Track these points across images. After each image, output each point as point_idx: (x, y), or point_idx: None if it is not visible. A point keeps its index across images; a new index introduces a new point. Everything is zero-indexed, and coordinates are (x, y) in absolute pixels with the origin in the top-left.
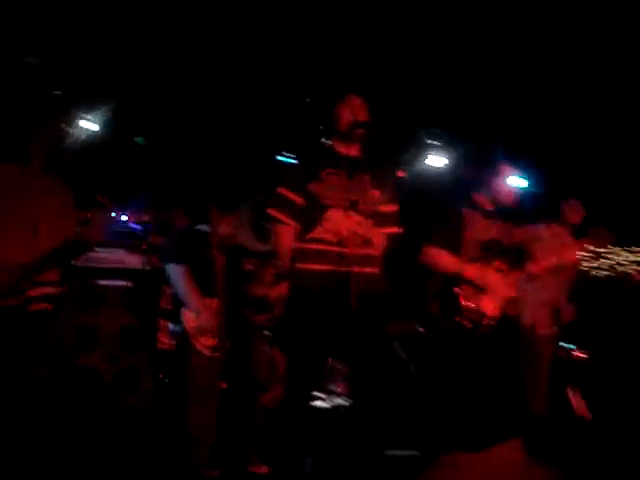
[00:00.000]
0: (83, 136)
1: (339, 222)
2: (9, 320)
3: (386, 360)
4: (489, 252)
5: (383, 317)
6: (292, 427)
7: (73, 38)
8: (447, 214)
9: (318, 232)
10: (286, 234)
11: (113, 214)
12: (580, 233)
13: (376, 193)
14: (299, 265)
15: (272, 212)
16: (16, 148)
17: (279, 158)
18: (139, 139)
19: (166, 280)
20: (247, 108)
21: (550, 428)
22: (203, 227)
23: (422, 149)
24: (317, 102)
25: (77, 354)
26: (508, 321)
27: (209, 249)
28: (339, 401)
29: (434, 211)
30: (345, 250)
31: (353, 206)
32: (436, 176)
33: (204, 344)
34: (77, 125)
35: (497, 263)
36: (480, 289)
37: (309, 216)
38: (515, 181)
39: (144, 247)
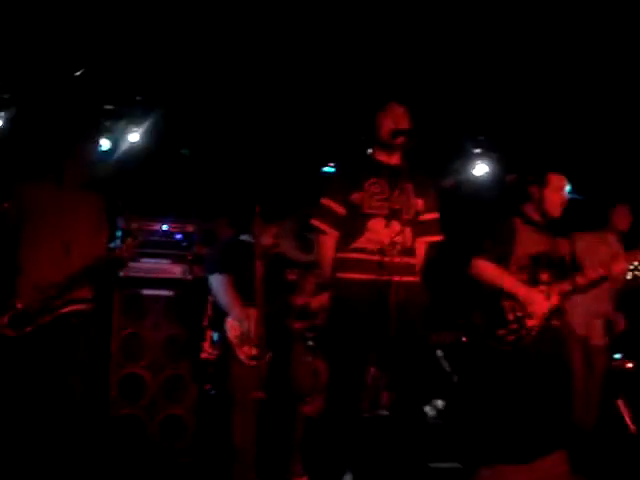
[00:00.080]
0: (129, 148)
1: (381, 231)
2: (42, 337)
3: (428, 370)
4: (538, 264)
5: (424, 326)
6: (332, 438)
7: (119, 52)
8: (497, 225)
9: (360, 242)
10: (328, 244)
11: (153, 227)
12: (629, 242)
13: (419, 202)
14: (340, 275)
15: (314, 222)
16: (50, 166)
17: (324, 170)
18: (185, 150)
19: (209, 290)
20: (293, 119)
21: (596, 441)
22: (246, 237)
23: (469, 158)
24: (360, 112)
25: (122, 364)
26: (552, 331)
27: (251, 259)
28: (382, 412)
29: (483, 222)
30: (386, 259)
31: (395, 215)
32: (483, 185)
33: (246, 354)
34: (123, 138)
35: (544, 275)
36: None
37: (351, 226)
38: (563, 191)
39: (189, 257)
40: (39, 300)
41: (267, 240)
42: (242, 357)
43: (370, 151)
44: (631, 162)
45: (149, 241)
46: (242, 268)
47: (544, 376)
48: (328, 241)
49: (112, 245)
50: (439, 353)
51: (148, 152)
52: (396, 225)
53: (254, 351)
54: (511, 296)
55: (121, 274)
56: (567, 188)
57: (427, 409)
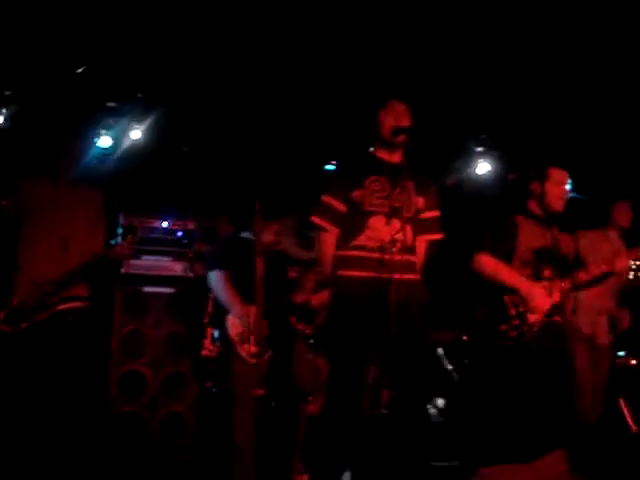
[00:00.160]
0: (131, 146)
1: (381, 229)
2: (38, 333)
3: (429, 368)
4: (541, 259)
5: (424, 324)
6: (332, 436)
7: (121, 49)
8: (499, 221)
9: (360, 239)
10: (328, 241)
11: (154, 224)
12: (631, 240)
13: (419, 200)
14: (341, 272)
15: (315, 219)
16: (46, 163)
17: (326, 167)
18: (185, 148)
19: (209, 287)
20: (294, 116)
21: (596, 440)
22: (247, 235)
23: (471, 157)
24: (361, 109)
25: (123, 361)
26: (554, 327)
27: (252, 256)
28: (382, 410)
29: (484, 218)
30: (386, 257)
31: (396, 213)
32: (485, 184)
33: (247, 351)
34: (124, 135)
35: (547, 271)
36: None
37: (352, 223)
38: (565, 185)
39: (190, 255)
40: (35, 296)
41: (268, 237)
42: (243, 354)
43: (372, 149)
44: (632, 159)
45: (150, 238)
46: (242, 265)
47: (545, 373)
48: (328, 238)
49: (113, 242)
50: (440, 351)
51: (150, 149)
52: (396, 223)
53: (255, 349)
54: (513, 291)
55: (122, 271)
56: (569, 183)
57: (428, 407)
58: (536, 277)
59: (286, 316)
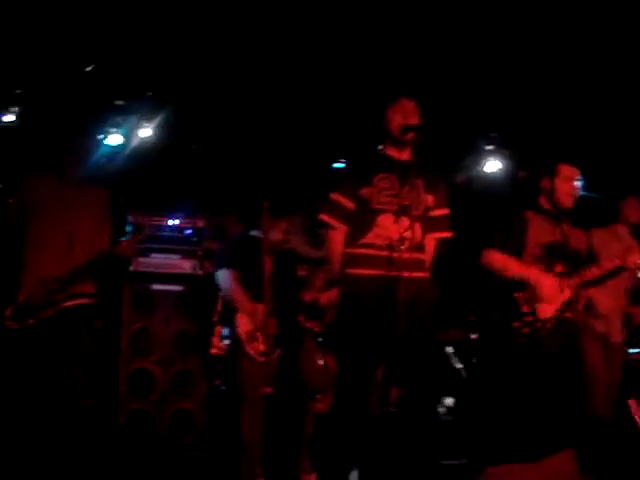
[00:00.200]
0: (140, 144)
1: (389, 227)
2: (44, 330)
3: (437, 366)
4: (551, 255)
5: (433, 322)
6: (341, 435)
7: (130, 48)
8: (509, 217)
9: (369, 237)
10: (337, 239)
11: (163, 222)
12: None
13: (429, 198)
14: (349, 270)
15: (323, 217)
16: (53, 161)
17: (335, 165)
18: (194, 146)
19: (217, 285)
20: (303, 114)
21: (606, 439)
22: (256, 233)
23: (480, 155)
24: (370, 107)
25: (132, 359)
26: (567, 324)
27: (261, 255)
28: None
29: (494, 215)
30: (395, 255)
31: (404, 211)
32: (495, 182)
33: (256, 349)
34: (133, 133)
35: (559, 267)
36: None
37: (360, 221)
38: (575, 181)
39: (199, 252)
40: (41, 293)
41: (277, 236)
42: (251, 353)
43: (381, 147)
44: None
45: (159, 236)
46: (251, 264)
47: (556, 370)
48: (337, 236)
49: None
50: (449, 350)
51: (159, 148)
52: (405, 221)
53: (263, 347)
54: (524, 287)
55: (131, 269)
56: (579, 180)
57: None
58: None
59: (295, 314)
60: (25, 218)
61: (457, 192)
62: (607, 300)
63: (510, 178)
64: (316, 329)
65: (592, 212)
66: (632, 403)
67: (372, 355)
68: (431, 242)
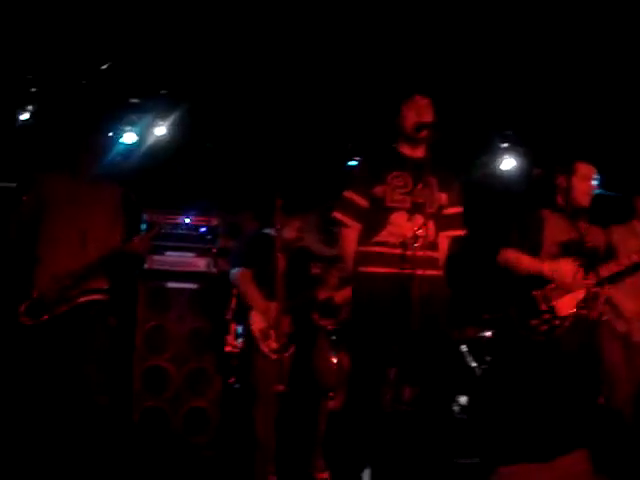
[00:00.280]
0: (155, 142)
1: (403, 225)
2: (59, 326)
3: (451, 365)
4: (568, 252)
5: (447, 320)
6: (353, 433)
7: (145, 46)
8: (525, 216)
9: (382, 235)
10: (350, 237)
11: (178, 220)
12: None
13: (442, 196)
14: (362, 268)
15: (337, 215)
16: (67, 158)
17: (349, 163)
18: (209, 144)
19: (231, 283)
20: (317, 113)
21: (623, 439)
22: (271, 231)
23: (495, 152)
24: (384, 105)
25: (146, 356)
26: (585, 322)
27: (275, 253)
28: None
29: (510, 214)
30: (408, 253)
31: (418, 209)
32: (510, 180)
33: (269, 347)
34: (148, 131)
35: (576, 263)
36: (557, 287)
37: (373, 219)
38: (592, 180)
39: (214, 250)
40: (55, 289)
41: (291, 234)
42: (265, 350)
43: (394, 144)
44: None
45: (174, 234)
46: (266, 262)
47: (573, 370)
48: (350, 234)
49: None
50: (464, 348)
51: (174, 146)
52: (419, 219)
53: (276, 344)
54: (542, 284)
55: (146, 267)
56: (596, 178)
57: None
58: None
59: (309, 312)
60: (39, 215)
61: (471, 190)
62: (628, 300)
63: (525, 176)
64: (330, 327)
65: (609, 210)
66: None
67: (385, 353)
68: (445, 240)
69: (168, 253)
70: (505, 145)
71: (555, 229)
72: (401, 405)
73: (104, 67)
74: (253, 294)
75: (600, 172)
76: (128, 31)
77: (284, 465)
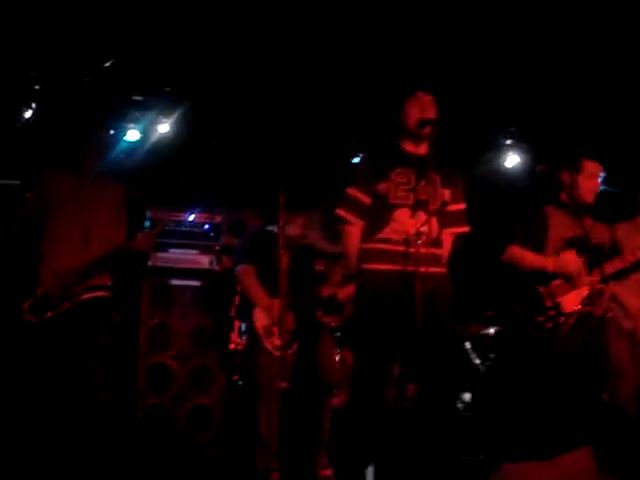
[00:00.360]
0: (158, 139)
1: (406, 222)
2: (63, 323)
3: (455, 362)
4: (573, 249)
5: (450, 317)
6: (356, 430)
7: (148, 43)
8: (529, 213)
9: (385, 232)
10: (354, 234)
11: (181, 217)
12: None
13: (446, 192)
14: (365, 265)
15: (340, 212)
16: (70, 156)
17: (352, 160)
18: (213, 142)
19: (235, 280)
20: (320, 110)
21: (627, 435)
22: (274, 228)
23: (499, 149)
24: (387, 101)
25: (150, 353)
26: (590, 319)
27: (278, 250)
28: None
29: (515, 211)
30: (411, 250)
31: (421, 205)
32: (514, 175)
33: (273, 344)
34: (152, 129)
35: (581, 259)
36: (562, 284)
37: (377, 216)
38: (598, 178)
39: (217, 248)
40: (59, 287)
41: (294, 231)
42: (269, 347)
43: (397, 141)
44: None
45: (177, 231)
46: (269, 259)
47: (578, 367)
48: (353, 231)
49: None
50: (467, 345)
51: (178, 143)
52: (422, 215)
53: (279, 341)
54: (548, 280)
55: (149, 264)
56: (601, 176)
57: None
58: None
59: (313, 309)
60: (43, 213)
61: (475, 186)
62: (633, 297)
63: (529, 172)
64: (333, 324)
65: (613, 206)
66: None
67: (389, 350)
68: (448, 237)
69: (172, 250)
70: (509, 142)
71: (559, 226)
72: (404, 402)
73: (107, 64)
74: (257, 291)
75: (604, 168)
76: (131, 28)
77: (288, 462)
